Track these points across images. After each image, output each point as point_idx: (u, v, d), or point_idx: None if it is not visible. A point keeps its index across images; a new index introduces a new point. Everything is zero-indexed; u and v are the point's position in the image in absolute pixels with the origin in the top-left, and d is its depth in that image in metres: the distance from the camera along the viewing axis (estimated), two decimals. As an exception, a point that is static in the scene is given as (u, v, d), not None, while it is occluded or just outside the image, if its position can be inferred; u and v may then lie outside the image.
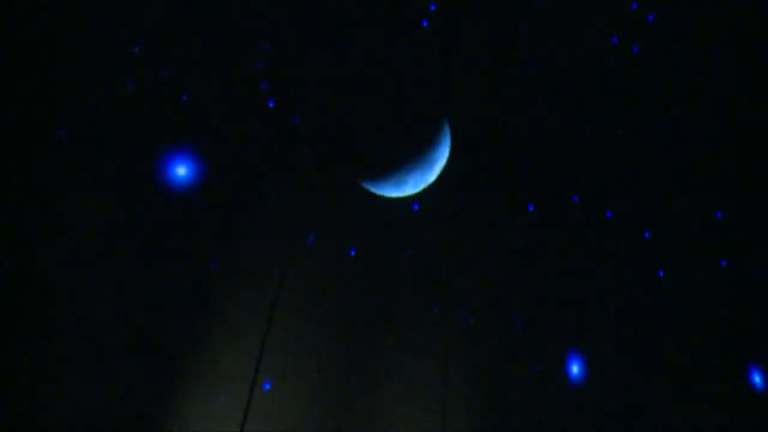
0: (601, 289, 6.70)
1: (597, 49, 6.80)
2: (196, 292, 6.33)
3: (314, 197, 6.46)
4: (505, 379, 6.49)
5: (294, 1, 6.54)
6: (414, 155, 6.33)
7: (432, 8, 6.67)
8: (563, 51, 6.76)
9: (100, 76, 6.36)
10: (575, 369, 6.50)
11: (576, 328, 6.62)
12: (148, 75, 6.38)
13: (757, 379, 6.51)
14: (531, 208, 6.68)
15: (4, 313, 5.93)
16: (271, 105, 6.18)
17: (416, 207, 6.57)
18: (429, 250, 6.58)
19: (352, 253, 6.48)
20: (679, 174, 6.83)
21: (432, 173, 6.43)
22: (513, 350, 6.53)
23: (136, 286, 6.23)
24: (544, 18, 6.74)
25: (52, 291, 6.12)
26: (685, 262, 6.73)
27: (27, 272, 6.10)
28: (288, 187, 6.48)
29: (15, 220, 6.13)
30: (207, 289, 6.32)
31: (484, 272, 6.62)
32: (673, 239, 6.76)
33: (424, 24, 6.67)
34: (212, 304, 6.33)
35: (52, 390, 5.89)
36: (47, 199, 6.23)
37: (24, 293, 6.06)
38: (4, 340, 5.89)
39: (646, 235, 6.75)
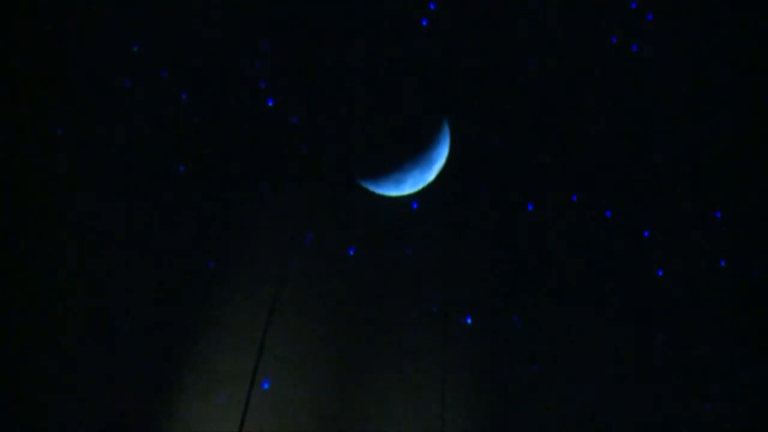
0: (600, 289, 6.69)
1: (596, 48, 6.79)
2: (194, 291, 6.32)
3: (313, 196, 6.45)
4: (504, 379, 6.48)
5: (295, 3, 6.55)
6: (413, 154, 6.33)
7: (431, 7, 6.67)
8: (562, 50, 6.75)
9: (98, 75, 6.36)
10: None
11: (575, 327, 6.60)
12: (146, 74, 6.39)
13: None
14: (530, 208, 6.68)
15: (4, 312, 5.94)
16: (270, 104, 6.18)
17: (415, 206, 6.57)
18: (428, 249, 6.57)
19: (351, 253, 6.48)
20: (679, 173, 6.82)
21: (431, 172, 6.43)
22: (512, 350, 6.52)
23: (133, 286, 6.22)
24: (543, 17, 6.73)
25: (51, 291, 6.12)
26: (684, 261, 6.73)
27: (24, 273, 6.10)
28: (286, 186, 6.47)
29: (12, 220, 6.13)
30: (205, 289, 6.32)
31: (483, 271, 6.62)
32: (672, 239, 6.75)
33: (424, 23, 6.67)
34: (210, 303, 6.33)
35: (51, 389, 5.89)
36: (43, 199, 6.23)
37: (22, 294, 6.06)
38: (3, 339, 5.89)
39: (646, 234, 6.74)
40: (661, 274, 6.70)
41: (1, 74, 6.20)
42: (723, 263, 6.72)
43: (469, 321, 6.49)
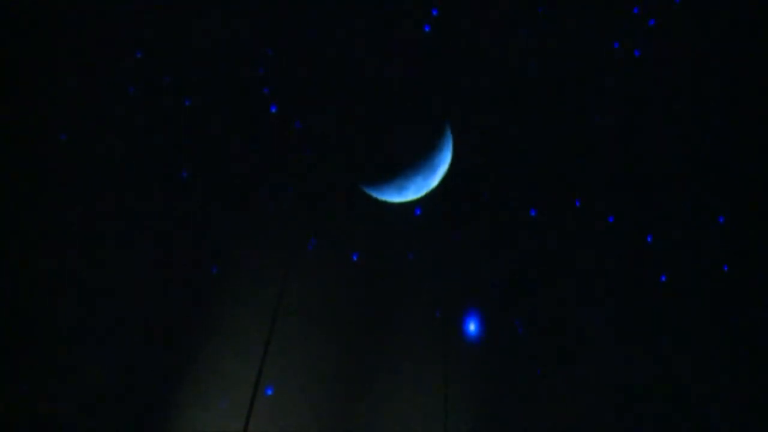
0: (602, 294, 6.69)
1: (598, 53, 6.80)
2: (197, 296, 6.33)
3: (316, 202, 6.46)
4: (506, 384, 6.48)
5: (296, 6, 6.55)
6: (416, 160, 6.34)
7: (434, 13, 6.67)
8: (565, 56, 6.75)
9: (102, 82, 6.37)
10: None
11: (577, 332, 6.60)
12: (149, 80, 6.39)
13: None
14: (533, 213, 6.68)
15: (6, 314, 5.95)
16: (273, 110, 6.19)
17: (418, 212, 6.58)
18: (431, 254, 6.58)
19: (354, 258, 6.49)
20: (682, 178, 6.82)
21: (434, 178, 6.44)
22: (514, 356, 6.52)
23: (138, 291, 6.23)
24: (546, 23, 6.74)
25: (55, 295, 6.13)
26: (687, 266, 6.72)
27: (29, 278, 6.11)
28: (290, 192, 6.48)
29: (16, 225, 6.14)
30: (209, 294, 6.32)
31: (485, 277, 6.62)
32: (675, 244, 6.75)
33: (426, 29, 6.68)
34: (214, 309, 6.33)
35: (55, 392, 5.90)
36: (47, 204, 6.24)
37: (27, 299, 6.07)
38: (6, 341, 5.90)
39: (649, 239, 6.74)
40: (664, 279, 6.70)
41: (5, 80, 6.21)
42: (726, 268, 6.72)
43: (471, 326, 6.49)
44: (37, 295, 6.11)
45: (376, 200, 6.29)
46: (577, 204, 6.73)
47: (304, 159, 6.49)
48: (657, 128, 6.83)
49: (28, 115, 6.27)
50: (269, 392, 6.16)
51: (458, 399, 6.36)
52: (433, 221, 6.59)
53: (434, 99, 6.57)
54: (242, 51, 6.42)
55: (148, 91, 6.41)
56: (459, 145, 6.50)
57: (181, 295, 6.30)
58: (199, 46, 6.47)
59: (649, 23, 6.80)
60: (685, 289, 6.68)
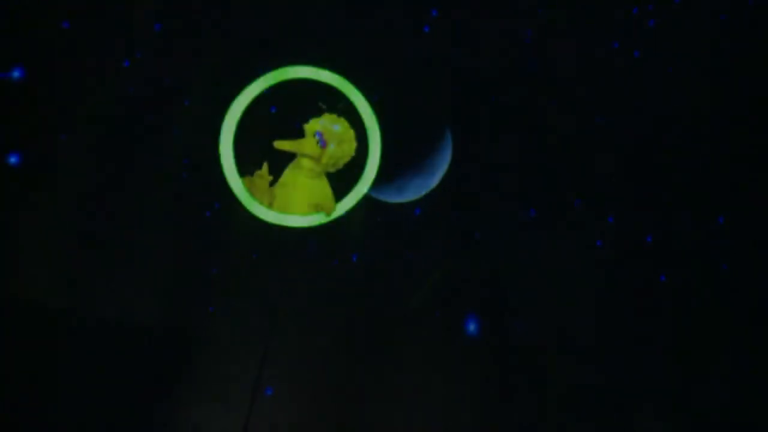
0: (602, 293, 6.70)
1: (598, 53, 6.80)
2: (196, 297, 6.34)
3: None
4: (507, 383, 6.50)
5: (295, 7, 6.55)
6: (415, 160, 6.34)
7: (434, 14, 6.67)
8: (564, 56, 6.76)
9: (102, 82, 6.38)
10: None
11: (577, 332, 6.62)
12: (149, 80, 6.40)
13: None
14: (533, 213, 6.68)
15: (5, 314, 5.97)
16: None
17: (418, 212, 6.58)
18: (430, 255, 6.59)
19: (354, 259, 6.49)
20: (681, 178, 6.83)
21: (434, 179, 6.44)
22: (514, 355, 6.53)
23: (135, 292, 6.24)
24: (545, 23, 6.74)
25: (54, 294, 6.13)
26: (686, 266, 6.73)
27: (28, 277, 6.11)
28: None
29: (14, 226, 6.16)
30: (207, 295, 6.33)
31: (485, 277, 6.63)
32: (675, 244, 6.75)
33: (426, 30, 6.68)
34: (213, 310, 6.34)
35: (52, 393, 5.91)
36: (47, 204, 6.25)
37: (26, 298, 6.08)
38: (4, 340, 5.92)
39: (648, 239, 6.75)
40: (663, 279, 6.71)
41: (4, 80, 6.22)
42: (725, 267, 6.72)
43: (471, 326, 6.50)
44: (36, 295, 6.11)
45: (376, 200, 6.29)
46: (577, 204, 6.73)
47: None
48: (657, 128, 6.84)
49: (28, 115, 6.27)
50: (269, 392, 6.17)
51: (458, 399, 6.37)
52: (433, 221, 6.59)
53: (433, 99, 6.57)
54: (242, 51, 6.43)
55: (148, 91, 6.41)
56: (458, 146, 6.51)
57: (181, 295, 6.31)
58: (198, 46, 6.47)
59: (649, 23, 6.80)
60: (685, 289, 6.69)
